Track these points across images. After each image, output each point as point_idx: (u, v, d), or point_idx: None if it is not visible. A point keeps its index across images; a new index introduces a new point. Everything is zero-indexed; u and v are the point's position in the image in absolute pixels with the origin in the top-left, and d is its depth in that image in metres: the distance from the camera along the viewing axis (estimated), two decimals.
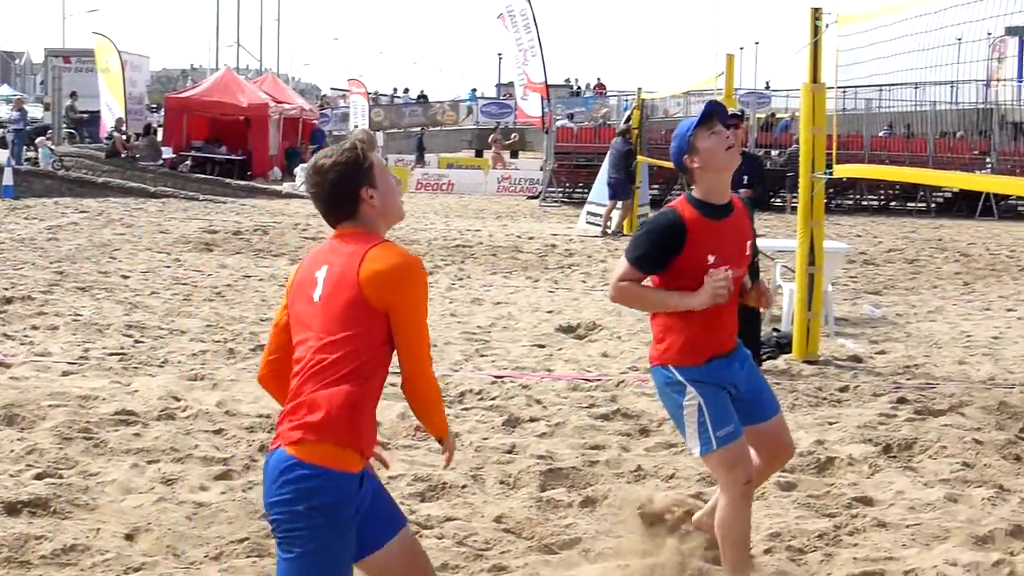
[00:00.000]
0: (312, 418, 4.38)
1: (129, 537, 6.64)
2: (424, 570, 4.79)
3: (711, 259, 5.58)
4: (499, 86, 79.84)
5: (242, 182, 37.87)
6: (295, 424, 4.41)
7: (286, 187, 37.37)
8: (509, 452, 8.38)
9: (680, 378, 5.73)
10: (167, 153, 38.90)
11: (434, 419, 4.72)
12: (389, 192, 4.61)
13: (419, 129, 57.22)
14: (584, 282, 17.87)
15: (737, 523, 5.78)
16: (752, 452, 5.87)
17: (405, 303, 4.45)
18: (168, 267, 18.26)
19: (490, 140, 50.96)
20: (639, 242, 5.73)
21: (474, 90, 71.73)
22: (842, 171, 12.08)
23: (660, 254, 5.63)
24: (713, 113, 5.70)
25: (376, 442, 4.63)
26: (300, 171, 35.03)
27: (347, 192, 4.54)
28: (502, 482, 7.82)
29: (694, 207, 5.66)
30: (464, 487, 7.66)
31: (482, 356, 11.85)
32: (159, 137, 40.76)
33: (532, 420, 9.29)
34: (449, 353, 11.85)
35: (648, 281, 5.75)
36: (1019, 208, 37.08)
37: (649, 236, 5.71)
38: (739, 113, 12.32)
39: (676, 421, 5.91)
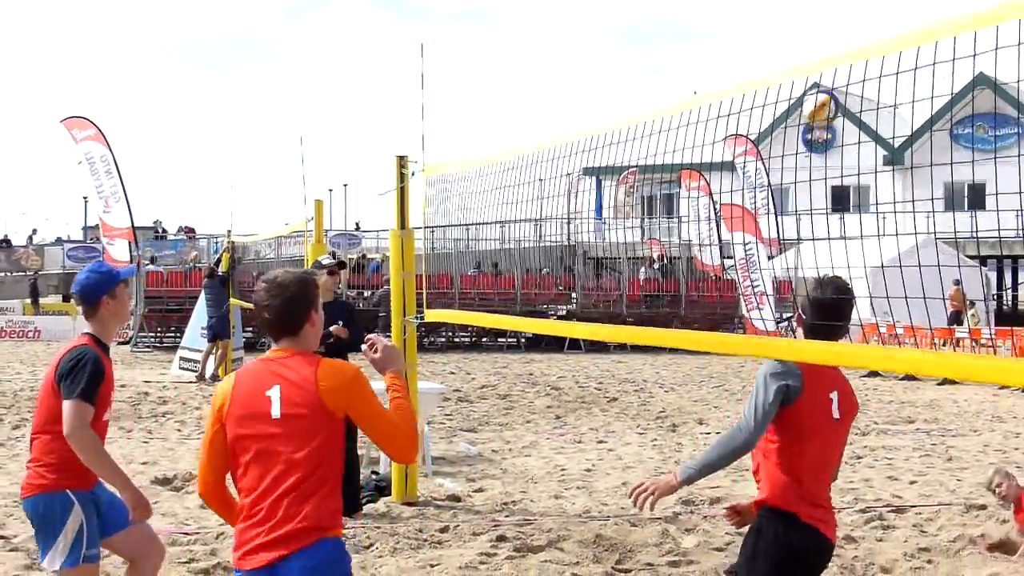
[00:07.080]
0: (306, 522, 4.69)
1: None
2: None
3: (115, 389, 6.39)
4: (85, 229, 77.79)
5: None
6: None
7: None
8: None
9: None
10: None
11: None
12: (320, 317, 5.03)
13: (32, 273, 54.97)
14: (179, 431, 17.44)
15: None
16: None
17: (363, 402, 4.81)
18: None
19: None
20: (80, 378, 6.17)
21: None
22: (433, 316, 12.32)
23: (98, 385, 6.20)
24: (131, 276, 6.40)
25: None
26: None
27: (300, 313, 4.92)
28: None
29: (96, 344, 6.36)
30: None
31: None
32: None
33: None
34: None
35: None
36: (604, 341, 38.69)
37: (88, 370, 6.17)
38: (342, 262, 13.35)
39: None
